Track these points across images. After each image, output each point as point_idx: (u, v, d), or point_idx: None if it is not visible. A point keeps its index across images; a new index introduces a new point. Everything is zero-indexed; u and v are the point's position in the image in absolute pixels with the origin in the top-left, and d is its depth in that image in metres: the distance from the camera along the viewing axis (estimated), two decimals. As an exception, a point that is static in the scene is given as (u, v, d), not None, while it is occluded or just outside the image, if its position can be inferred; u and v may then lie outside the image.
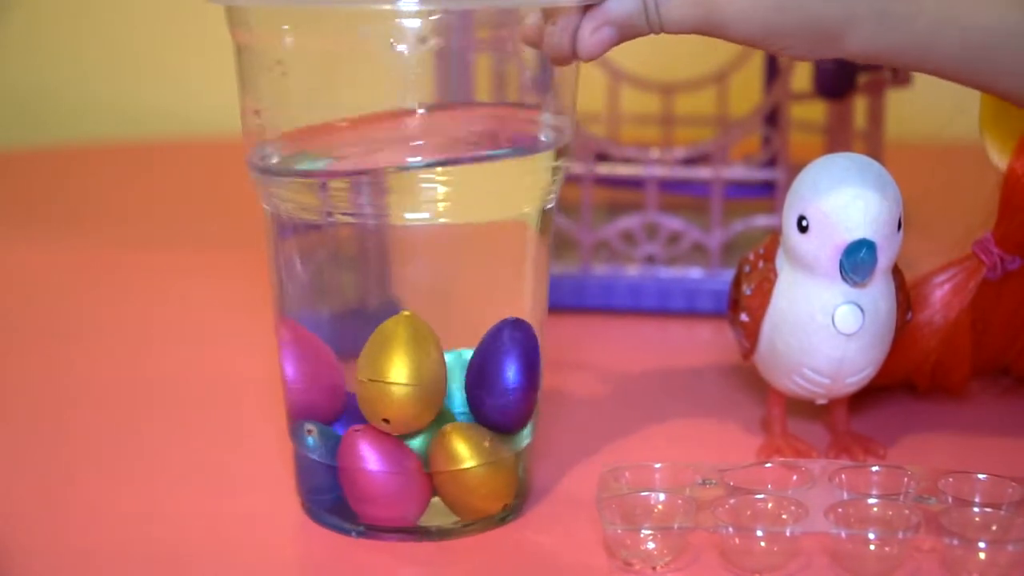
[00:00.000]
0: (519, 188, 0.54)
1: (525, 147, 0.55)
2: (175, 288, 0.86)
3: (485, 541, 0.55)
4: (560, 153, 0.55)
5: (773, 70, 0.87)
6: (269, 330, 0.57)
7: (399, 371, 0.52)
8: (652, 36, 0.54)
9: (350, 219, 0.53)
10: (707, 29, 0.54)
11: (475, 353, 0.54)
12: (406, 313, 0.53)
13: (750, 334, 0.60)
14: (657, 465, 0.57)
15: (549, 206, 0.55)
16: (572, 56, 0.53)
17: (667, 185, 0.81)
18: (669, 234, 0.80)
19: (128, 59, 1.29)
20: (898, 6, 0.53)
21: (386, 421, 0.53)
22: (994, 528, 0.53)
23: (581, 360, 0.72)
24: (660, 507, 0.54)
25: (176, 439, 0.65)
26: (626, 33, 0.53)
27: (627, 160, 0.81)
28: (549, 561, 0.54)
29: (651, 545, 0.52)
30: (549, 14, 0.52)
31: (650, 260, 0.80)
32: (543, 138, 0.55)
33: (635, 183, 0.81)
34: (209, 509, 0.58)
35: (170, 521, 0.57)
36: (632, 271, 0.80)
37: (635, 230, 0.80)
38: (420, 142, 0.52)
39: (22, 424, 0.66)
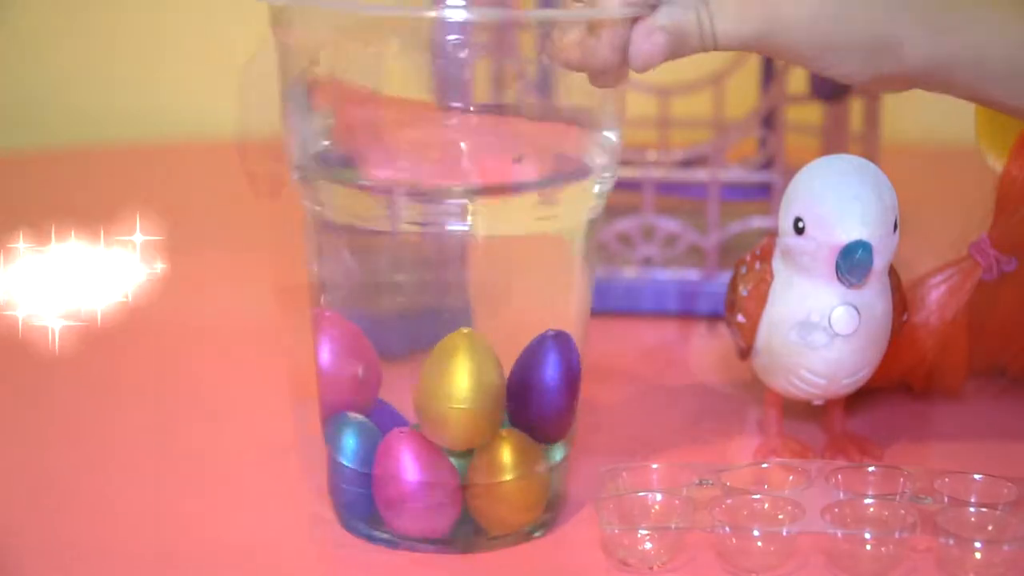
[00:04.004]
0: (565, 201, 0.54)
1: (576, 172, 0.54)
2: (175, 289, 0.86)
3: (513, 555, 0.54)
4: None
5: (769, 73, 0.87)
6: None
7: (459, 391, 0.51)
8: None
9: (417, 228, 0.52)
10: (760, 46, 0.53)
11: (516, 364, 0.53)
12: (464, 331, 0.52)
13: (747, 335, 0.61)
14: (654, 466, 0.57)
15: (594, 216, 0.55)
16: (620, 70, 0.53)
17: (664, 187, 0.81)
18: (666, 236, 0.80)
19: (127, 61, 1.29)
20: (946, 18, 0.53)
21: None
22: (990, 528, 0.53)
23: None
24: (657, 507, 0.54)
25: (185, 439, 0.64)
26: (678, 44, 0.52)
27: (623, 162, 0.80)
28: (548, 563, 0.54)
29: (648, 545, 0.52)
30: (594, 27, 0.51)
31: (647, 262, 0.80)
32: (592, 159, 0.54)
33: (632, 185, 0.81)
34: (226, 513, 0.57)
35: (186, 524, 0.56)
36: (629, 273, 0.80)
37: (632, 232, 0.80)
38: (470, 157, 0.52)
39: (26, 426, 0.66)
